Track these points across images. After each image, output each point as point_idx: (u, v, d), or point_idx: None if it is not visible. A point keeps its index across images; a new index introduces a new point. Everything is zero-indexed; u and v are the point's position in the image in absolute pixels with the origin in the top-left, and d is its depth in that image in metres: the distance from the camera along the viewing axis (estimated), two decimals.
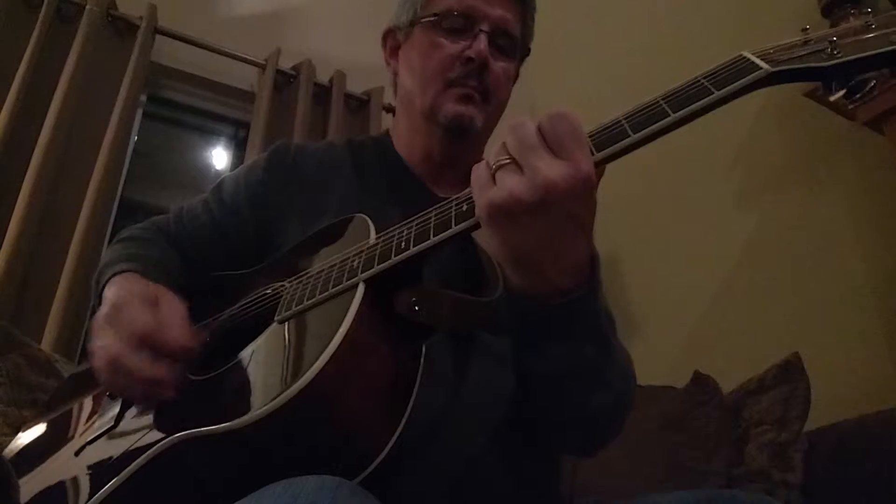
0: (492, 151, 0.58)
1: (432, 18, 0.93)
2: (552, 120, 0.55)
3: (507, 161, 0.55)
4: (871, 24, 0.51)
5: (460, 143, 0.95)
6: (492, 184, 0.56)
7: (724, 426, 1.40)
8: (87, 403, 0.82)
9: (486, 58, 0.90)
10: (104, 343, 0.68)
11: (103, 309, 0.73)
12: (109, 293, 0.76)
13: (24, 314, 1.56)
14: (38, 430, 0.85)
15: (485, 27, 0.91)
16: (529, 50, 1.02)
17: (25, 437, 0.84)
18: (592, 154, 0.56)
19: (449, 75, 0.91)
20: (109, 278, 0.81)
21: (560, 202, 0.54)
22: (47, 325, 1.56)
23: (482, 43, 0.90)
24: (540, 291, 0.61)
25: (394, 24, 1.01)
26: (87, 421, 0.77)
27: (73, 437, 0.76)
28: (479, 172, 0.58)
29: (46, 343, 1.52)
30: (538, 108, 2.49)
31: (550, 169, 0.53)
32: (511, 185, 0.54)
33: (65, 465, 0.71)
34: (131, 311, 0.69)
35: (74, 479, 0.67)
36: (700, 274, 1.97)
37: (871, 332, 1.56)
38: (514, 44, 0.96)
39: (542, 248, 0.57)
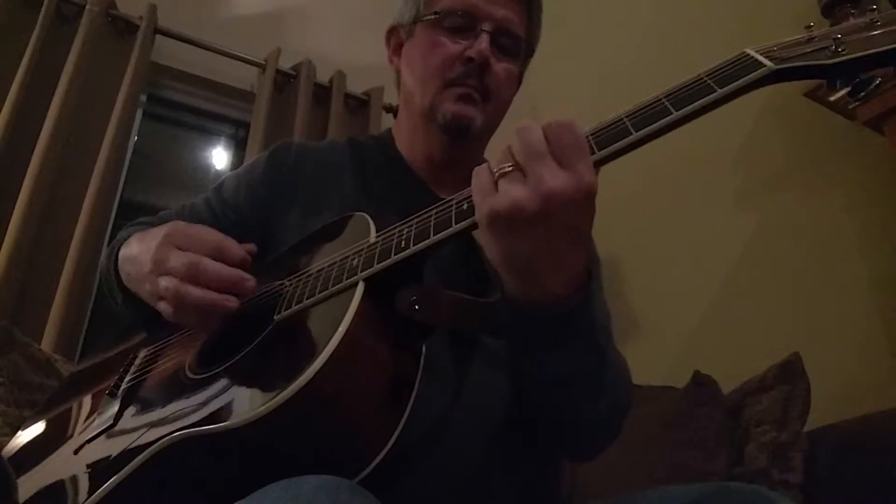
0: (496, 155, 0.57)
1: (433, 17, 0.93)
2: (559, 129, 0.54)
3: (511, 168, 0.55)
4: (877, 22, 0.51)
5: (460, 144, 0.94)
6: (494, 191, 0.55)
7: (724, 426, 1.40)
8: (87, 402, 0.82)
9: (487, 57, 0.89)
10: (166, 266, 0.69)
11: (149, 244, 0.74)
12: (143, 239, 0.77)
13: (24, 314, 1.56)
14: (38, 428, 0.85)
15: (487, 27, 0.90)
16: (533, 50, 1.00)
17: (24, 436, 0.84)
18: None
19: (448, 75, 0.90)
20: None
21: (561, 213, 0.53)
22: (47, 325, 1.55)
23: (483, 42, 0.89)
24: (536, 299, 0.60)
25: (397, 21, 1.01)
26: (87, 419, 0.77)
27: (72, 435, 0.76)
28: (481, 178, 0.57)
29: (46, 343, 1.51)
30: (540, 109, 2.48)
31: (554, 179, 0.53)
32: (514, 193, 0.53)
33: (64, 464, 0.71)
34: (189, 233, 0.72)
35: (73, 478, 0.67)
36: (700, 274, 1.96)
37: (871, 332, 1.56)
38: (517, 44, 0.94)
39: (541, 256, 0.57)
